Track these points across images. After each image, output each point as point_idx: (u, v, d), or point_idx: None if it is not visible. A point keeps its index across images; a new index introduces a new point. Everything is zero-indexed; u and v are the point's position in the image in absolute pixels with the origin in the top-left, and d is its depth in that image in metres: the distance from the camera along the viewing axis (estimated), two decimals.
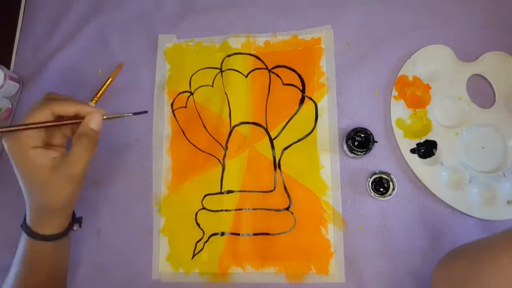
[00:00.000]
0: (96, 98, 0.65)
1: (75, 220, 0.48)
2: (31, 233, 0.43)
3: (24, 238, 0.45)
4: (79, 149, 0.40)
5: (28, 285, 0.45)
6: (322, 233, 0.57)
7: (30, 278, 0.45)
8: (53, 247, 0.45)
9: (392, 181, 0.56)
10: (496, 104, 0.58)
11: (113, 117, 0.45)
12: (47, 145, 0.42)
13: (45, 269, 0.45)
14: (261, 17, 0.65)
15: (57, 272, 0.47)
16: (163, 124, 0.63)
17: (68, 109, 0.40)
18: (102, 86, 0.65)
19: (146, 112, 0.48)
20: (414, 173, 0.57)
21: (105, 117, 0.43)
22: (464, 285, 0.38)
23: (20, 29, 0.71)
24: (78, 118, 0.42)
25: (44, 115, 0.39)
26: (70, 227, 0.47)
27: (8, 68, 0.69)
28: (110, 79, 0.66)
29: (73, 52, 0.68)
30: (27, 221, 0.44)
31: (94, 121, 0.41)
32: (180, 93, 0.64)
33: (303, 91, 0.61)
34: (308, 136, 0.60)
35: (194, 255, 0.58)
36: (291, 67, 0.62)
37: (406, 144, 0.57)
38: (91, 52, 0.68)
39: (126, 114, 0.46)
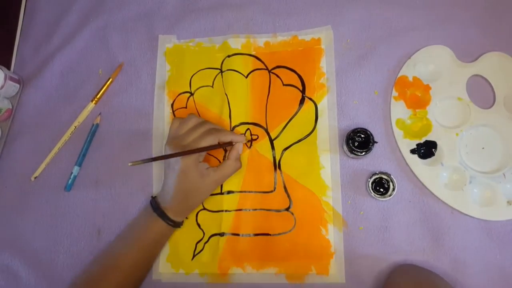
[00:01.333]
0: (96, 99, 0.65)
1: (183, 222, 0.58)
2: (168, 219, 0.54)
3: (145, 217, 0.56)
4: (229, 163, 0.55)
5: (137, 261, 0.54)
6: (322, 234, 0.57)
7: (142, 254, 0.54)
8: (166, 230, 0.55)
9: (392, 181, 0.56)
10: (496, 104, 0.58)
11: (248, 141, 0.60)
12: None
13: (157, 250, 0.56)
14: (261, 18, 0.65)
15: (155, 254, 0.57)
16: (163, 125, 0.63)
17: (226, 137, 0.55)
18: (103, 87, 0.65)
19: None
20: (414, 173, 0.57)
21: (245, 141, 0.58)
22: None
23: (20, 30, 0.71)
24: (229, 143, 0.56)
25: (212, 141, 0.53)
26: (182, 224, 0.57)
27: (8, 68, 0.69)
28: (111, 79, 0.66)
29: (74, 52, 0.68)
30: (162, 206, 0.54)
31: (240, 147, 0.56)
32: (180, 94, 0.64)
33: (303, 91, 0.62)
34: (308, 137, 0.60)
35: (194, 256, 0.58)
36: (291, 67, 0.62)
37: (406, 145, 0.57)
38: (91, 53, 0.68)
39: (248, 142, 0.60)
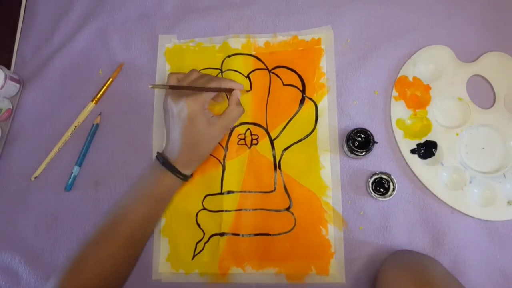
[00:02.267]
0: (96, 99, 0.65)
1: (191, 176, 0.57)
2: (178, 172, 0.54)
3: (153, 171, 0.55)
4: (232, 107, 0.55)
5: (144, 215, 0.54)
6: (322, 234, 0.57)
7: (149, 208, 0.54)
8: (174, 183, 0.55)
9: (392, 181, 0.56)
10: (496, 104, 0.58)
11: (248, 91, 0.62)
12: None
13: (157, 200, 0.55)
14: (261, 18, 0.65)
15: (160, 209, 0.57)
16: (163, 124, 0.63)
17: (226, 84, 0.55)
18: (103, 87, 0.65)
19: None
20: (414, 173, 0.57)
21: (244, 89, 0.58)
22: None
23: (20, 29, 0.71)
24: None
25: (216, 85, 0.54)
26: (190, 177, 0.56)
27: (9, 68, 0.69)
28: (111, 79, 0.66)
29: (74, 52, 0.68)
30: (170, 158, 0.54)
31: (238, 93, 0.56)
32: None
33: (303, 91, 0.62)
34: (308, 137, 0.60)
35: (194, 256, 0.58)
36: (291, 67, 0.62)
37: (406, 145, 0.57)
38: (91, 53, 0.68)
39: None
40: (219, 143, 0.61)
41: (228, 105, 0.55)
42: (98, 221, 0.55)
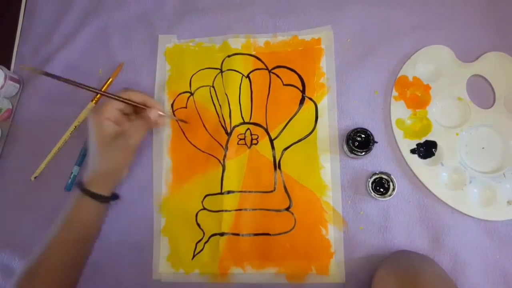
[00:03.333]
0: (96, 98, 0.65)
1: (114, 197, 0.56)
2: (83, 189, 0.51)
3: (73, 197, 0.53)
4: (135, 127, 0.53)
5: (63, 240, 0.51)
6: (322, 234, 0.57)
7: (66, 232, 0.51)
8: (94, 208, 0.53)
9: (392, 181, 0.56)
10: (496, 104, 0.58)
11: (166, 116, 0.58)
12: (115, 122, 0.53)
13: (81, 227, 0.52)
14: (261, 18, 0.65)
15: (87, 235, 0.54)
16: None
17: (140, 98, 0.54)
18: (103, 86, 0.65)
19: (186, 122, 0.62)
20: (414, 173, 0.57)
21: (160, 113, 0.55)
22: None
23: (20, 29, 0.71)
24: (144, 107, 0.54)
25: (128, 96, 0.53)
26: (110, 198, 0.54)
27: (8, 68, 0.69)
28: (111, 79, 0.66)
29: (73, 52, 0.68)
30: (83, 180, 0.53)
31: (152, 112, 0.54)
32: (180, 94, 0.64)
33: (303, 91, 0.62)
34: (308, 137, 0.60)
35: (194, 255, 0.58)
36: (291, 67, 0.62)
37: (406, 145, 0.57)
38: (91, 52, 0.68)
39: (174, 118, 0.61)
40: (218, 142, 0.61)
41: (132, 119, 0.54)
42: (26, 258, 0.52)
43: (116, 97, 0.52)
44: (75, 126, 0.64)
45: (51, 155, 0.64)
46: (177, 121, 0.62)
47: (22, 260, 0.60)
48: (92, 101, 0.65)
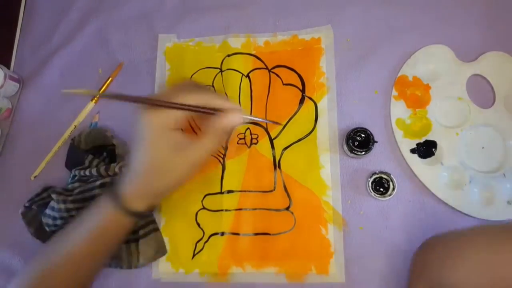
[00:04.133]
0: (96, 98, 0.65)
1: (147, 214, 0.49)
2: (123, 207, 0.43)
3: (102, 208, 0.45)
4: (207, 141, 0.40)
5: (86, 252, 0.45)
6: (322, 233, 0.57)
7: (91, 245, 0.45)
8: (126, 223, 0.45)
9: (392, 181, 0.56)
10: (496, 104, 0.58)
11: (252, 120, 0.47)
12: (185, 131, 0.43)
13: (108, 240, 0.46)
14: (261, 17, 0.65)
15: (113, 247, 0.47)
16: None
17: (214, 101, 0.40)
18: (102, 86, 0.65)
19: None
20: (414, 173, 0.57)
21: (245, 116, 0.41)
22: (439, 271, 0.42)
23: (20, 29, 0.71)
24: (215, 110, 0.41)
25: (197, 100, 0.39)
26: (146, 213, 0.46)
27: (8, 68, 0.69)
28: (110, 79, 0.66)
29: (73, 52, 0.68)
30: (120, 193, 0.43)
31: (233, 118, 0.40)
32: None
33: (303, 91, 0.62)
34: (308, 136, 0.60)
35: (194, 255, 0.58)
36: (291, 67, 0.62)
37: (406, 144, 0.57)
38: (91, 52, 0.68)
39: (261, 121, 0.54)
40: None
41: (203, 131, 0.41)
42: (45, 251, 0.48)
43: (194, 109, 0.40)
44: (75, 126, 0.64)
45: (51, 155, 0.64)
46: (266, 124, 0.56)
47: (22, 260, 0.60)
48: (92, 100, 0.65)
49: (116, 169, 0.56)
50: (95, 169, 0.57)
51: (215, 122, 0.40)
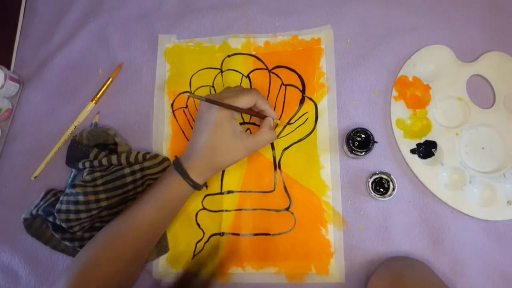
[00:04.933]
0: (96, 98, 0.65)
1: (205, 184, 0.56)
2: (188, 178, 0.52)
3: (168, 179, 0.53)
4: (264, 130, 0.54)
5: (153, 218, 0.53)
6: (322, 233, 0.57)
7: (157, 212, 0.53)
8: (187, 192, 0.54)
9: (392, 181, 0.56)
10: (496, 104, 0.58)
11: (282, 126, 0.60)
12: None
13: (171, 208, 0.54)
14: (261, 18, 0.65)
15: (172, 217, 0.56)
16: (163, 125, 0.63)
17: (262, 104, 0.54)
18: (103, 86, 0.65)
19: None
20: (414, 173, 0.57)
21: (275, 120, 0.57)
22: None
23: (20, 29, 0.71)
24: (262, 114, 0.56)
25: (249, 100, 0.52)
26: (203, 186, 0.55)
27: (8, 68, 0.69)
28: (111, 79, 0.66)
29: (73, 52, 0.68)
30: (185, 166, 0.52)
31: (271, 121, 0.56)
32: (180, 94, 0.64)
33: (303, 91, 0.62)
34: (308, 137, 0.60)
35: (194, 255, 0.58)
36: (291, 67, 0.62)
37: (406, 145, 0.57)
38: (91, 52, 0.68)
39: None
40: None
41: (261, 127, 0.54)
42: (110, 223, 0.54)
43: (247, 111, 0.54)
44: (75, 126, 0.64)
45: (51, 155, 0.64)
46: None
47: (22, 260, 0.60)
48: (92, 101, 0.65)
49: (142, 157, 0.58)
50: (115, 156, 0.57)
51: (263, 122, 0.55)
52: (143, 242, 0.54)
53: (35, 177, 0.63)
